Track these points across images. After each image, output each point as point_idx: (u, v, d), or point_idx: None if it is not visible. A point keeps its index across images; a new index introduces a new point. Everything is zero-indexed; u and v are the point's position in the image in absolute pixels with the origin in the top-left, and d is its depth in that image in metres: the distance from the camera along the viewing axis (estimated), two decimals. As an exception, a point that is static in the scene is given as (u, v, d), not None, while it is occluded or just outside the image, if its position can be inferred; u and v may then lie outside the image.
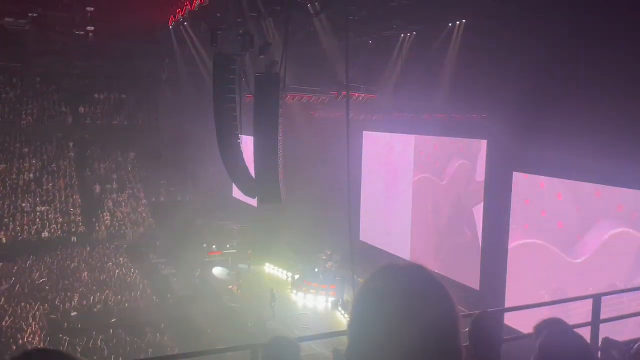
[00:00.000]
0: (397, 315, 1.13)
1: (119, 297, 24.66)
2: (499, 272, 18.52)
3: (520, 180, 18.09)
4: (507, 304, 17.19)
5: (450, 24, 19.74)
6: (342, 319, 22.78)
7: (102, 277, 26.64)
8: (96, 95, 40.30)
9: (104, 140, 38.77)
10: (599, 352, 4.31)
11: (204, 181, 36.64)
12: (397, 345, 1.12)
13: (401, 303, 1.15)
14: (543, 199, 17.35)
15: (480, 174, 20.05)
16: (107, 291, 24.98)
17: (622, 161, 13.76)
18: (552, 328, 2.53)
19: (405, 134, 24.35)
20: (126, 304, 24.25)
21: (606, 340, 4.31)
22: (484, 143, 19.84)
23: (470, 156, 20.63)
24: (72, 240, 31.55)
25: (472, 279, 20.14)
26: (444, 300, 1.20)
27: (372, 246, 26.23)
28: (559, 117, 15.48)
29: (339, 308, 23.49)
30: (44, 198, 33.93)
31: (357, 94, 23.09)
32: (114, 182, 36.82)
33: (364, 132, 26.92)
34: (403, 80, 22.46)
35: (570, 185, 16.52)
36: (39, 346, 18.43)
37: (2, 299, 23.45)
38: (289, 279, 27.10)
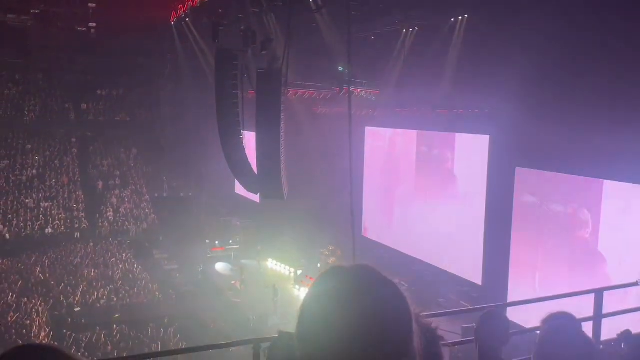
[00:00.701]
0: (350, 318, 1.09)
1: (123, 292, 24.73)
2: (502, 267, 18.51)
3: (523, 176, 18.06)
4: (510, 299, 17.18)
5: (452, 19, 19.67)
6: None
7: (105, 273, 26.71)
8: (98, 92, 40.34)
9: (106, 136, 38.83)
10: (622, 344, 4.31)
11: (207, 177, 36.69)
12: (348, 350, 1.07)
13: (354, 305, 1.10)
14: (546, 194, 17.32)
15: (483, 170, 20.00)
16: (111, 287, 25.05)
17: (626, 156, 13.73)
18: (553, 322, 2.51)
19: (407, 130, 24.31)
20: (129, 300, 24.32)
21: (626, 332, 4.31)
22: (486, 138, 19.78)
23: (473, 152, 20.59)
24: (75, 236, 31.63)
25: (474, 274, 20.14)
26: (400, 301, 1.16)
27: (374, 242, 26.22)
28: (563, 112, 15.43)
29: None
30: (47, 194, 34.00)
31: (359, 90, 23.05)
32: (117, 179, 36.88)
33: (367, 128, 26.86)
34: (405, 75, 22.40)
35: (573, 180, 16.48)
36: (44, 342, 18.50)
37: (11, 294, 23.54)
38: (292, 274, 27.13)
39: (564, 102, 15.39)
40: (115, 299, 24.22)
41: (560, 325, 2.50)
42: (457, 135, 21.36)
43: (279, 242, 29.99)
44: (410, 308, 1.16)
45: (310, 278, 25.49)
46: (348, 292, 1.13)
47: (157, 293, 25.17)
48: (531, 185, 17.85)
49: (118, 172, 37.41)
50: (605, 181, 15.39)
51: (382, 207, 26.31)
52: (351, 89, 18.19)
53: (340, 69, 20.65)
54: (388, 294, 1.15)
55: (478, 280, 19.97)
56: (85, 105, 39.70)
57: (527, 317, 4.31)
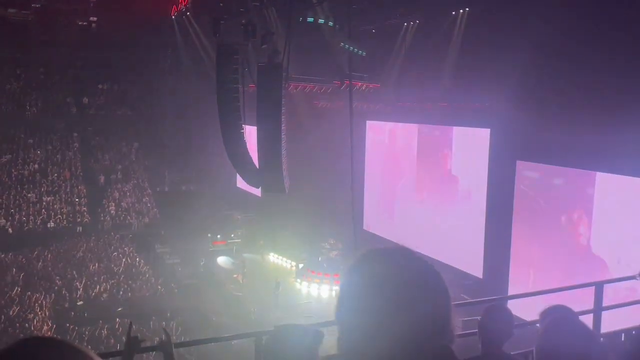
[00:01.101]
0: (393, 303, 1.09)
1: (125, 286, 24.80)
2: (503, 260, 18.53)
3: (524, 169, 18.04)
4: (510, 292, 17.20)
5: (453, 13, 19.61)
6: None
7: (108, 267, 26.78)
8: (100, 86, 40.31)
9: (108, 130, 38.83)
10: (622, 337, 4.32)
11: (208, 171, 36.69)
12: (391, 335, 1.07)
13: (397, 290, 1.10)
14: (546, 187, 17.31)
15: (483, 163, 19.99)
16: (113, 281, 25.12)
17: (627, 149, 13.71)
18: (553, 315, 2.52)
19: (408, 123, 24.29)
20: (132, 293, 24.39)
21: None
22: (487, 132, 19.76)
23: (474, 145, 20.58)
24: (77, 230, 31.70)
25: (475, 267, 20.17)
26: (441, 286, 1.16)
27: (375, 235, 26.23)
28: (564, 105, 15.41)
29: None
30: (50, 189, 34.05)
31: (360, 84, 23.01)
32: (119, 173, 36.90)
33: (367, 122, 26.84)
34: (406, 69, 22.36)
35: (574, 174, 16.47)
36: (46, 335, 18.58)
37: (14, 288, 23.62)
38: (293, 268, 27.18)
39: (564, 95, 15.36)
40: (118, 293, 24.29)
41: (561, 318, 2.51)
42: (458, 128, 21.34)
43: (281, 236, 30.01)
44: (448, 287, 1.17)
45: (312, 272, 25.56)
46: (388, 275, 1.12)
47: (159, 287, 25.25)
48: (532, 178, 17.84)
49: (120, 166, 37.43)
50: (607, 174, 15.38)
51: (383, 200, 26.32)
52: (352, 82, 18.16)
53: (346, 46, 20.43)
54: (427, 275, 1.16)
55: (479, 274, 20.00)
56: (87, 100, 39.67)
57: (527, 310, 4.32)
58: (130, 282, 25.23)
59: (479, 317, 3.75)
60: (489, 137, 19.70)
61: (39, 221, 31.71)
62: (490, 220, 19.58)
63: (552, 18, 14.82)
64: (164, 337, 3.65)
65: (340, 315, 1.16)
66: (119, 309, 22.62)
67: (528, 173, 18.02)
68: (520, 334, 3.84)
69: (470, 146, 20.78)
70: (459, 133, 21.41)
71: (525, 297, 5.81)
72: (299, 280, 25.62)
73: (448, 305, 1.15)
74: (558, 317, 2.52)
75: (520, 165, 18.11)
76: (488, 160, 19.73)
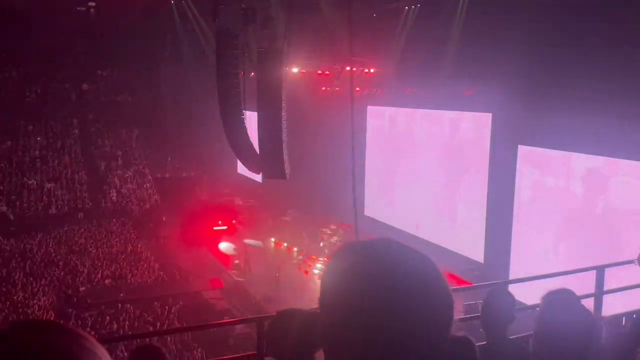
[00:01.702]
0: (390, 301, 0.98)
1: (127, 272, 24.89)
2: (504, 245, 18.58)
3: (526, 154, 18.01)
4: (512, 277, 17.27)
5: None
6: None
7: (109, 253, 26.87)
8: (99, 72, 40.14)
9: (108, 117, 38.74)
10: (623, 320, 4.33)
11: (209, 157, 36.67)
12: (386, 337, 0.97)
13: (379, 282, 1.00)
14: (548, 172, 17.29)
15: (485, 147, 19.96)
16: (115, 266, 25.21)
17: (632, 133, 13.66)
18: (552, 297, 2.51)
19: (409, 108, 24.21)
20: (134, 279, 24.50)
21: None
22: (489, 116, 19.71)
23: (475, 129, 20.53)
24: (79, 216, 31.77)
25: (476, 252, 20.23)
26: (442, 284, 1.04)
27: (377, 221, 26.29)
28: (566, 88, 15.33)
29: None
30: (50, 175, 34.07)
31: (361, 68, 22.89)
32: (119, 159, 36.89)
33: (369, 107, 26.77)
34: (408, 53, 22.23)
35: (576, 158, 16.44)
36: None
37: (16, 274, 23.74)
38: (295, 253, 27.26)
39: (568, 78, 15.27)
40: (120, 279, 24.40)
41: (559, 300, 2.50)
42: (459, 113, 21.27)
43: (282, 222, 30.06)
44: (449, 288, 1.05)
45: (313, 258, 25.64)
46: (372, 267, 1.01)
47: (161, 272, 25.34)
48: (533, 163, 17.81)
49: (120, 153, 37.40)
50: (609, 159, 15.34)
51: (384, 185, 26.34)
52: (353, 67, 18.07)
53: None
54: (421, 270, 1.03)
55: (480, 258, 20.06)
56: (86, 86, 39.54)
57: (528, 295, 4.33)
58: (132, 268, 25.33)
59: (480, 302, 3.76)
60: (490, 121, 19.65)
61: (40, 207, 31.77)
62: (492, 205, 19.60)
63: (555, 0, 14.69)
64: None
65: (322, 308, 1.07)
66: (122, 295, 22.72)
67: (529, 157, 17.99)
68: (521, 318, 3.86)
69: (472, 131, 20.73)
70: (460, 117, 21.34)
71: (526, 281, 5.83)
72: (300, 265, 25.73)
73: (448, 304, 1.03)
74: (554, 299, 2.52)
75: (522, 149, 18.08)
76: (489, 144, 19.70)
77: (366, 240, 1.11)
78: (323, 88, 27.84)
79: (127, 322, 19.96)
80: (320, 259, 25.29)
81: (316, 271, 24.82)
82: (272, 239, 29.07)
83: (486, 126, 19.91)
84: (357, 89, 23.66)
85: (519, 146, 18.11)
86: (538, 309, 2.48)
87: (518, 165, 18.21)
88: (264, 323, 4.05)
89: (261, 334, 4.07)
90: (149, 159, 37.97)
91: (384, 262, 1.03)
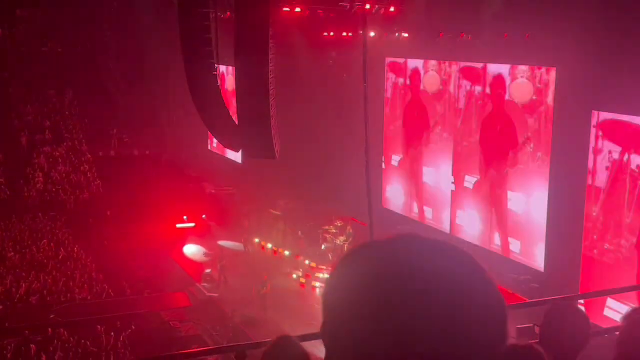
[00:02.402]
0: (423, 314, 1.00)
1: (59, 286, 24.98)
2: (572, 247, 18.61)
3: (602, 122, 17.97)
4: (583, 290, 17.33)
5: None
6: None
7: (34, 259, 26.92)
8: (19, 12, 39.93)
9: (31, 73, 38.61)
10: None
11: (170, 129, 36.62)
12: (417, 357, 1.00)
13: (428, 296, 1.01)
14: (634, 148, 17.29)
15: (546, 114, 19.92)
16: (43, 278, 25.29)
17: None
18: (635, 316, 2.54)
19: (443, 61, 24.12)
20: (69, 295, 24.58)
21: None
22: (552, 72, 19.64)
23: (533, 90, 20.48)
24: (-8, 210, 31.83)
25: (533, 256, 20.26)
26: (492, 290, 1.07)
27: (398, 215, 26.33)
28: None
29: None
30: (-47, 154, 34.10)
31: (376, 6, 22.74)
32: (47, 131, 36.84)
33: (387, 59, 26.67)
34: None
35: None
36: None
37: None
38: (287, 259, 27.34)
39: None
40: (49, 295, 24.48)
41: None
42: (512, 68, 21.20)
43: (269, 217, 30.08)
44: (501, 295, 1.08)
45: (312, 266, 25.72)
46: (397, 271, 1.04)
47: (105, 285, 25.44)
48: (614, 135, 17.78)
49: (48, 123, 37.34)
50: None
51: (409, 167, 26.33)
52: (366, 4, 17.98)
53: None
54: (464, 272, 1.06)
55: (539, 265, 20.12)
56: (1, 31, 39.38)
57: (603, 314, 4.38)
58: (66, 279, 25.41)
59: (539, 324, 3.79)
60: (554, 78, 19.58)
61: (-61, 198, 31.85)
62: (556, 192, 19.60)
63: None
64: None
65: (326, 328, 1.13)
66: (52, 316, 22.81)
67: (607, 126, 17.96)
68: (596, 345, 3.89)
69: (528, 91, 20.67)
70: (512, 74, 21.27)
71: (603, 295, 5.86)
72: (294, 275, 25.81)
73: (504, 323, 1.06)
74: (636, 320, 2.55)
75: (598, 117, 18.04)
76: (553, 109, 19.66)
77: (386, 238, 1.13)
78: (326, 33, 27.72)
79: (59, 353, 20.08)
80: (323, 267, 25.38)
81: (317, 284, 24.92)
82: (257, 240, 29.14)
83: (548, 85, 19.84)
84: (372, 34, 23.51)
85: (594, 112, 18.07)
86: (618, 332, 2.51)
87: (592, 139, 18.18)
88: (246, 352, 4.09)
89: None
90: (87, 132, 37.91)
91: (411, 264, 1.05)
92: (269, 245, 28.52)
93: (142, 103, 37.19)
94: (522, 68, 20.94)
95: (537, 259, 20.24)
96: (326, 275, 24.96)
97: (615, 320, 16.16)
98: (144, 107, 37.21)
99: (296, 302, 23.84)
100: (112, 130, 38.21)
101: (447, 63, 24.08)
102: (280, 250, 27.97)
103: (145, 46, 35.87)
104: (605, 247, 17.80)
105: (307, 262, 26.20)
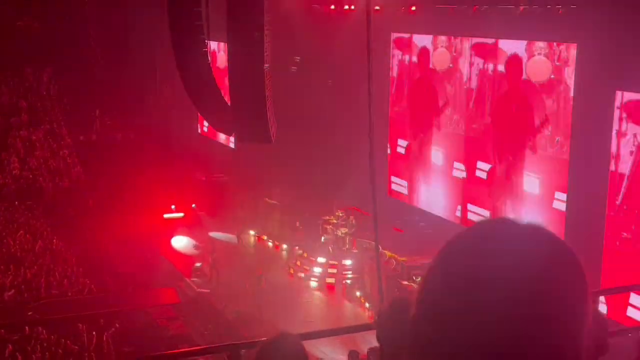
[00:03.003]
0: (517, 303, 1.09)
1: (37, 281, 25.02)
2: (592, 240, 18.63)
3: (627, 103, 17.96)
4: (604, 285, 17.38)
5: None
6: (362, 310, 23.14)
7: (10, 253, 26.96)
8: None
9: (5, 50, 38.49)
10: None
11: (156, 111, 36.58)
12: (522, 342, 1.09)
13: (530, 285, 1.10)
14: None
15: (566, 94, 19.91)
16: (20, 272, 25.34)
17: None
18: None
19: (455, 37, 24.08)
20: (47, 291, 24.63)
21: None
22: (572, 48, 19.62)
23: (552, 67, 20.46)
24: (-36, 199, 31.85)
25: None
26: (584, 279, 1.17)
27: (406, 205, 26.36)
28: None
29: (358, 295, 23.82)
30: None
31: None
32: (23, 113, 36.79)
33: (393, 35, 26.62)
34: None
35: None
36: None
37: None
38: (284, 252, 27.39)
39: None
40: (27, 291, 24.52)
41: None
42: (529, 43, 21.17)
43: (265, 206, 30.11)
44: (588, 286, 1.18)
45: (312, 260, 25.77)
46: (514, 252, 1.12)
47: (87, 280, 25.48)
48: (639, 117, 17.78)
49: (25, 104, 37.28)
50: None
51: (417, 153, 26.33)
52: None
53: None
54: (568, 260, 1.16)
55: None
56: (-28, 5, 39.26)
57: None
58: (45, 274, 25.45)
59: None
60: (575, 55, 19.56)
61: None
62: (576, 179, 19.61)
63: None
64: None
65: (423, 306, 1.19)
66: (29, 314, 22.87)
67: (634, 108, 17.94)
68: (617, 346, 3.89)
69: (546, 70, 20.66)
70: (530, 50, 21.24)
71: (625, 291, 5.87)
72: (292, 269, 25.88)
73: (582, 305, 1.17)
74: None
75: (622, 97, 18.03)
76: (573, 89, 19.65)
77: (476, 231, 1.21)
78: (325, 6, 27.65)
79: (38, 354, 20.14)
80: (321, 259, 25.43)
81: (313, 281, 25.00)
82: (252, 232, 29.18)
83: (569, 63, 19.82)
84: (377, 7, 23.47)
85: (618, 92, 18.05)
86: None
87: (615, 121, 18.17)
88: (240, 351, 4.10)
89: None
90: (67, 114, 37.85)
91: (519, 250, 1.13)
92: (265, 238, 28.58)
93: (126, 83, 37.10)
94: (540, 45, 20.91)
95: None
96: (322, 268, 25.11)
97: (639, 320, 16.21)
98: (128, 88, 37.13)
99: (292, 298, 23.93)
100: (94, 113, 38.14)
101: (458, 39, 24.03)
102: (277, 243, 28.03)
103: (130, 21, 35.80)
104: (623, 235, 17.86)
105: (302, 253, 26.26)
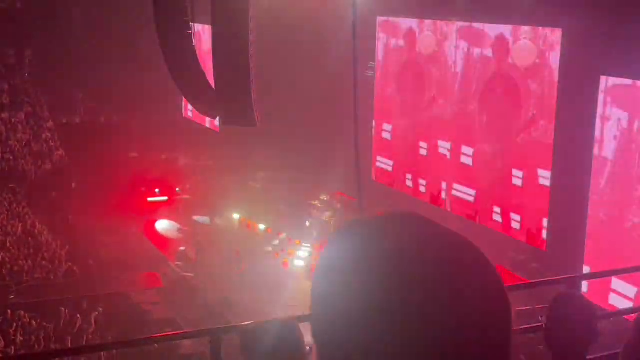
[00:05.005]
0: (412, 305, 0.99)
1: (19, 264, 24.95)
2: (576, 225, 18.74)
3: (612, 88, 18.02)
4: (589, 270, 17.48)
5: None
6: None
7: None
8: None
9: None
10: None
11: (140, 94, 36.39)
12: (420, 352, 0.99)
13: (423, 283, 1.00)
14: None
15: (551, 79, 19.95)
16: (1, 256, 25.25)
17: None
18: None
19: (440, 20, 24.06)
20: (29, 275, 24.57)
21: None
22: (558, 33, 19.64)
23: (537, 53, 20.49)
24: (-55, 182, 31.67)
25: (534, 234, 20.40)
26: (492, 277, 1.08)
27: (390, 190, 26.38)
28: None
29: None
30: None
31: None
32: (4, 95, 36.56)
33: (379, 18, 26.56)
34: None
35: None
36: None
37: None
38: (267, 235, 27.42)
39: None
40: (9, 275, 24.46)
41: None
42: (515, 28, 21.18)
43: (250, 190, 30.09)
44: (504, 285, 1.08)
45: (297, 242, 25.80)
46: (393, 254, 1.03)
47: (69, 264, 25.43)
48: (622, 102, 17.84)
49: (5, 86, 37.04)
50: None
51: (403, 137, 26.34)
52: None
53: None
54: (467, 259, 1.08)
55: (540, 244, 20.26)
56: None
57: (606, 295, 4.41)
58: (27, 257, 25.38)
59: (541, 306, 3.80)
60: (559, 40, 19.60)
61: None
62: (560, 163, 19.69)
63: None
64: None
65: (316, 314, 1.12)
66: (11, 297, 22.82)
67: (617, 93, 18.01)
68: (606, 329, 3.91)
69: (532, 55, 20.69)
70: (516, 35, 21.26)
71: (610, 275, 5.90)
72: (276, 253, 25.91)
73: (508, 316, 1.06)
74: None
75: (606, 82, 18.08)
76: (558, 74, 19.69)
77: (379, 215, 1.12)
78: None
79: (20, 337, 20.10)
80: (306, 245, 25.47)
81: (300, 262, 25.02)
82: (236, 215, 29.18)
83: (554, 47, 19.85)
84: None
85: (602, 77, 18.10)
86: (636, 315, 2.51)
87: (600, 106, 18.24)
88: (222, 337, 4.08)
89: (217, 352, 4.12)
90: (49, 96, 37.62)
91: (410, 247, 1.04)
92: (249, 221, 28.60)
93: (110, 65, 36.86)
94: (525, 29, 20.92)
95: (539, 236, 20.37)
96: (310, 251, 25.16)
97: (621, 304, 16.33)
98: (111, 70, 36.90)
99: (275, 282, 23.95)
100: (77, 95, 37.93)
101: (444, 22, 24.01)
102: (262, 225, 28.08)
103: (113, 2, 35.53)
104: (605, 218, 17.93)
105: (290, 238, 26.31)
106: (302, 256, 25.23)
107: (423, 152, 25.33)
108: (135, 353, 16.39)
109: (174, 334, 14.00)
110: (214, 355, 4.19)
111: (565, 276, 8.20)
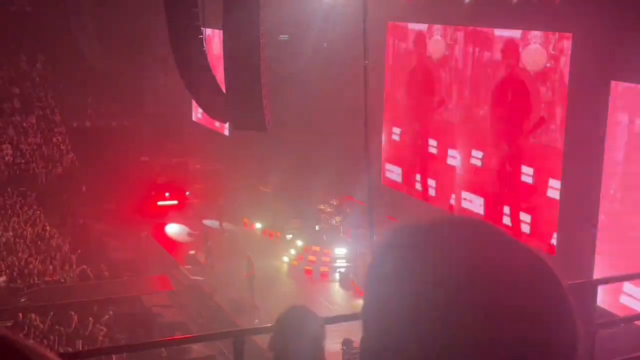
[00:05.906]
0: (473, 314, 0.98)
1: (30, 267, 25.03)
2: (586, 229, 18.69)
3: (623, 93, 17.99)
4: (598, 275, 17.44)
5: None
6: (356, 298, 23.19)
7: (3, 240, 26.95)
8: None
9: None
10: None
11: (151, 98, 36.51)
12: None
13: (487, 291, 1.00)
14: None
15: (561, 84, 19.93)
16: (12, 259, 25.33)
17: None
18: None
19: (449, 25, 24.06)
20: (41, 278, 24.63)
21: None
22: (568, 38, 19.62)
23: (548, 57, 20.47)
24: (-44, 185, 31.78)
25: (544, 239, 20.36)
26: (566, 305, 1.05)
27: (400, 193, 26.36)
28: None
29: (352, 283, 23.86)
30: None
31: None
32: (16, 99, 36.67)
33: (390, 24, 26.57)
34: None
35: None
36: None
37: None
38: (279, 240, 27.42)
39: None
40: (20, 277, 24.53)
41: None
42: (525, 33, 21.17)
43: (259, 194, 30.09)
44: (572, 303, 1.06)
45: (306, 248, 25.81)
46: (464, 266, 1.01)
47: (83, 266, 25.50)
48: (634, 108, 17.81)
49: (17, 90, 37.15)
50: None
51: (412, 141, 26.32)
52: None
53: None
54: (543, 275, 1.07)
55: (549, 249, 20.22)
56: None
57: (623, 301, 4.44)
58: (38, 261, 25.46)
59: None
60: (570, 46, 19.57)
61: None
62: (570, 168, 19.65)
63: None
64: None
65: (368, 318, 1.09)
66: (22, 300, 22.88)
67: (629, 98, 17.98)
68: (611, 336, 3.95)
69: (543, 59, 20.67)
70: (526, 40, 21.25)
71: (619, 281, 5.93)
72: (285, 258, 25.91)
73: (575, 331, 1.04)
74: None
75: (617, 87, 18.05)
76: (568, 78, 19.66)
77: (440, 222, 1.11)
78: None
79: (31, 340, 20.17)
80: (315, 248, 25.41)
81: (307, 269, 24.97)
82: (246, 219, 29.18)
83: (564, 52, 19.82)
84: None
85: (613, 83, 18.07)
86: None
87: (610, 111, 18.20)
88: (244, 339, 4.12)
89: (240, 354, 4.14)
90: (60, 100, 37.72)
91: (485, 263, 1.04)
92: (262, 226, 28.62)
93: (120, 69, 36.95)
94: (535, 33, 20.91)
95: (549, 240, 20.33)
96: (316, 257, 25.14)
97: (633, 308, 16.30)
98: (122, 74, 36.99)
99: (286, 286, 23.99)
100: (87, 99, 38.02)
101: (453, 27, 23.99)
102: (272, 230, 28.07)
103: (124, 6, 35.62)
104: (615, 224, 17.89)
105: (299, 243, 26.31)
106: (311, 261, 25.21)
107: (432, 154, 25.32)
108: (144, 355, 16.43)
109: (195, 336, 13.91)
110: (237, 357, 4.22)
111: (576, 281, 8.21)
